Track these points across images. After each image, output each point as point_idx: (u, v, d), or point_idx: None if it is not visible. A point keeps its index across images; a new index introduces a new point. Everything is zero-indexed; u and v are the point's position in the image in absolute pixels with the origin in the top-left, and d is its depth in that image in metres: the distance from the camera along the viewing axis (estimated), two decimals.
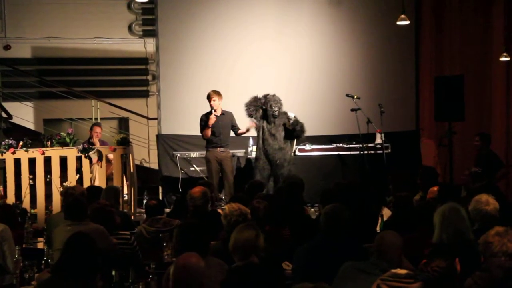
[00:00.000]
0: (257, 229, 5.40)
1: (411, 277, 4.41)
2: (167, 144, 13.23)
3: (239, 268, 4.87)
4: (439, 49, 15.11)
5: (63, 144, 11.02)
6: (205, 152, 11.83)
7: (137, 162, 14.07)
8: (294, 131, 11.49)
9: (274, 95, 11.49)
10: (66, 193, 8.38)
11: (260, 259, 5.25)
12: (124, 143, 11.36)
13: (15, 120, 14.80)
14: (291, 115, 11.45)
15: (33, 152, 10.90)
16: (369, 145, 12.40)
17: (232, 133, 11.80)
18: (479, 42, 14.92)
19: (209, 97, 11.45)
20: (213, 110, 11.45)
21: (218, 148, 11.51)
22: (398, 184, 9.78)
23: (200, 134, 11.71)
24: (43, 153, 10.89)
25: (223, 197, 11.64)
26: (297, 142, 12.35)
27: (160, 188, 13.32)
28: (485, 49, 14.84)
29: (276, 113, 11.37)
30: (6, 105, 14.87)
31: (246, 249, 5.25)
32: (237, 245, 5.30)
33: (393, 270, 4.54)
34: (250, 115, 11.48)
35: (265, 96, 11.51)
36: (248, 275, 4.70)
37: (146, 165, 15.82)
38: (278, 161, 11.37)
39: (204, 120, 11.46)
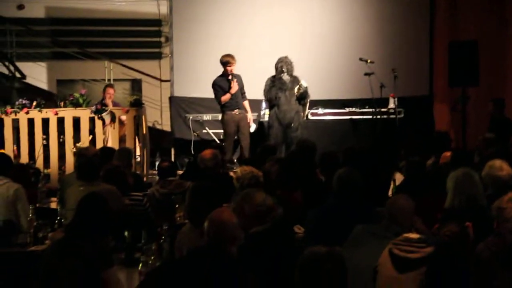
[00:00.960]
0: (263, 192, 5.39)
1: (423, 241, 4.42)
2: (180, 106, 13.23)
3: (257, 234, 4.89)
4: (453, 14, 14.95)
5: (76, 104, 11.04)
6: (219, 114, 11.82)
7: (150, 124, 14.07)
8: (300, 99, 11.46)
9: (286, 57, 11.43)
10: (79, 154, 8.42)
11: (274, 222, 5.24)
12: (137, 104, 11.37)
13: (28, 80, 14.83)
14: (304, 84, 11.39)
15: (46, 112, 10.93)
16: (382, 109, 12.35)
17: None
18: (494, 8, 14.77)
19: (227, 63, 11.28)
20: (231, 76, 11.34)
21: (235, 110, 11.43)
22: (411, 149, 9.75)
23: (213, 98, 11.64)
24: (57, 114, 10.92)
25: (235, 160, 11.64)
26: (310, 105, 12.32)
27: (172, 150, 13.34)
28: (500, 14, 14.69)
29: (286, 73, 11.30)
30: (20, 65, 14.88)
31: (262, 213, 5.18)
32: (255, 210, 5.23)
33: (405, 235, 4.55)
34: (269, 100, 11.46)
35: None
36: (265, 239, 4.72)
37: (158, 127, 15.84)
38: (292, 125, 11.35)
39: (220, 86, 11.34)
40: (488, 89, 13.93)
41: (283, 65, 11.34)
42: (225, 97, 11.30)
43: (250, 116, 11.69)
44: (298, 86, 11.35)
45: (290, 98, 11.37)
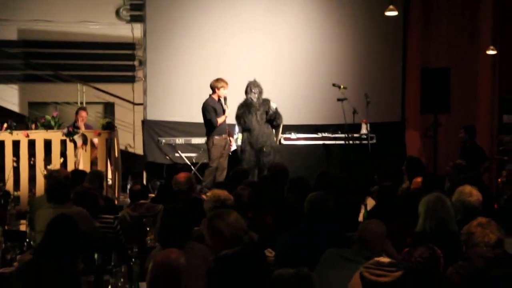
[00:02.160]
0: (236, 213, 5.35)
1: (394, 266, 4.44)
2: (153, 129, 13.21)
3: (227, 256, 4.85)
4: (426, 41, 15.11)
5: (48, 127, 10.96)
6: (192, 138, 11.90)
7: (122, 148, 14.00)
8: (271, 121, 11.48)
9: (254, 80, 11.47)
10: (50, 176, 8.34)
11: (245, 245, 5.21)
12: (109, 127, 11.31)
13: (0, 102, 14.74)
14: (273, 105, 11.43)
15: (17, 134, 10.84)
16: (355, 135, 12.42)
17: None
18: (466, 35, 14.94)
19: (222, 87, 11.39)
20: (223, 100, 11.44)
21: (223, 135, 11.51)
22: (384, 174, 9.79)
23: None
24: (28, 136, 10.83)
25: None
26: (283, 130, 12.35)
27: (144, 173, 13.29)
28: (472, 42, 14.86)
29: (256, 95, 11.34)
30: None
31: (236, 233, 5.12)
32: (227, 230, 5.09)
33: (376, 258, 4.57)
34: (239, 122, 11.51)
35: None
36: (235, 263, 4.69)
37: (131, 150, 15.77)
38: (265, 149, 11.36)
39: (214, 108, 11.37)
40: (460, 116, 14.08)
41: (252, 88, 11.38)
42: (221, 120, 11.40)
43: (231, 138, 11.78)
44: (268, 107, 11.37)
45: (262, 121, 11.39)
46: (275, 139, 11.73)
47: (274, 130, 11.68)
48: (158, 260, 4.33)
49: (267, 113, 11.41)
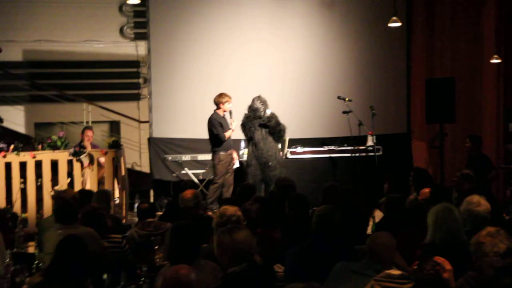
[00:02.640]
0: (248, 229, 5.34)
1: (405, 278, 4.42)
2: (159, 147, 13.21)
3: (235, 274, 4.83)
4: (430, 51, 15.14)
5: (54, 147, 10.97)
6: (198, 155, 11.94)
7: (129, 166, 14.03)
8: (268, 127, 11.44)
9: (259, 96, 11.48)
10: (57, 197, 8.35)
11: (253, 262, 5.20)
12: (116, 146, 11.33)
13: (6, 124, 14.75)
14: (268, 111, 11.44)
15: (24, 155, 10.84)
16: (361, 147, 12.39)
17: None
18: (470, 44, 14.96)
19: (223, 102, 11.41)
20: (229, 114, 11.49)
21: (229, 151, 11.51)
22: (391, 185, 9.78)
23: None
24: (34, 157, 10.84)
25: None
26: (289, 144, 12.34)
27: (151, 191, 13.30)
28: (476, 51, 14.87)
29: (262, 113, 11.34)
30: None
31: (242, 251, 5.12)
32: (232, 248, 5.12)
33: (387, 271, 4.56)
34: (246, 132, 11.49)
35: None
36: (244, 280, 4.67)
37: (137, 168, 15.79)
38: (271, 163, 11.36)
39: (220, 123, 11.40)
40: (465, 125, 14.07)
41: (255, 102, 11.38)
42: (228, 134, 11.43)
43: (234, 154, 11.76)
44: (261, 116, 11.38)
45: (267, 136, 11.39)
46: (280, 153, 11.72)
47: (279, 144, 11.67)
48: (167, 275, 4.30)
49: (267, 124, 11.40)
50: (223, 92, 11.51)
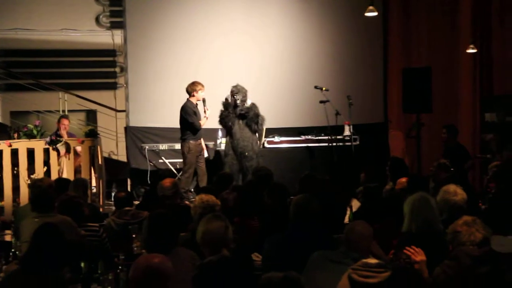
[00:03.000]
0: (225, 220, 5.36)
1: (382, 267, 4.44)
2: (136, 136, 13.17)
3: (211, 263, 4.84)
4: (407, 41, 15.19)
5: (30, 136, 10.91)
6: (175, 144, 11.92)
7: (105, 155, 13.99)
8: (246, 118, 11.43)
9: (236, 85, 11.45)
10: (34, 186, 8.32)
11: (230, 251, 5.23)
12: (92, 135, 11.29)
13: None
14: (249, 101, 11.43)
15: (0, 144, 10.79)
16: (338, 137, 12.40)
17: None
18: (446, 34, 15.00)
19: (197, 90, 11.35)
20: (203, 102, 11.41)
21: (198, 140, 11.47)
22: (369, 175, 9.81)
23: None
24: (10, 145, 10.77)
25: (193, 190, 11.61)
26: (266, 134, 12.36)
27: (128, 180, 13.26)
28: (453, 41, 14.92)
29: (239, 102, 11.32)
30: None
31: (214, 241, 5.21)
32: (206, 238, 5.24)
33: (364, 260, 4.56)
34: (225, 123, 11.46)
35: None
36: (220, 269, 4.68)
37: (114, 157, 15.74)
38: (247, 154, 11.36)
39: (195, 112, 11.37)
40: (442, 115, 14.12)
41: (234, 93, 11.35)
42: (203, 122, 11.39)
43: (203, 143, 11.73)
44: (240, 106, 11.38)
45: (244, 126, 11.38)
46: (258, 143, 11.72)
47: (257, 135, 11.66)
48: (139, 263, 4.16)
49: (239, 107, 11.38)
50: (196, 80, 11.45)
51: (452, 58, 14.94)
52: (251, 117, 11.38)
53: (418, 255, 5.15)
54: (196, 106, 11.43)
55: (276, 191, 7.58)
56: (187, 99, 11.40)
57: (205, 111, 11.42)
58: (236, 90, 11.40)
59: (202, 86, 11.39)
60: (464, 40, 14.48)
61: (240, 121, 11.35)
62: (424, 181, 8.30)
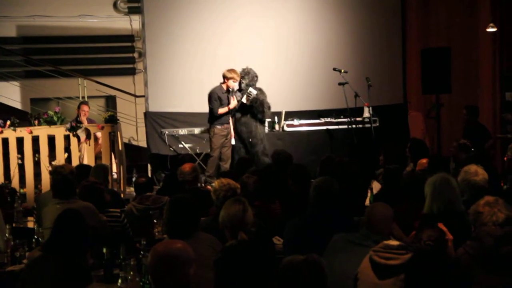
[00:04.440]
0: (244, 203, 5.38)
1: (403, 248, 4.44)
2: (155, 121, 13.17)
3: (232, 247, 4.85)
4: (425, 21, 15.10)
5: (50, 123, 10.95)
6: (195, 129, 11.98)
7: (125, 140, 14.03)
8: (252, 108, 11.39)
9: (245, 68, 11.44)
10: (55, 172, 8.36)
11: (251, 234, 5.24)
12: (112, 121, 11.30)
13: (1, 99, 14.77)
14: (253, 91, 11.36)
15: (20, 131, 10.83)
16: (357, 119, 12.38)
17: None
18: (466, 13, 14.90)
19: (231, 78, 11.27)
20: (232, 91, 11.36)
21: (225, 125, 11.44)
22: (389, 156, 9.77)
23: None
24: (31, 132, 10.82)
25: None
26: (285, 117, 12.36)
27: (149, 166, 13.28)
28: (472, 20, 14.82)
29: (244, 85, 11.29)
30: None
31: (234, 225, 5.25)
32: (225, 221, 5.30)
33: (385, 242, 4.57)
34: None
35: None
36: (241, 253, 4.69)
37: (134, 143, 15.78)
38: (251, 140, 11.35)
39: (219, 98, 11.29)
40: (462, 95, 14.06)
41: (242, 75, 11.35)
42: (223, 110, 11.30)
43: (232, 129, 11.71)
44: (246, 95, 11.34)
45: (246, 112, 11.36)
46: (262, 128, 11.57)
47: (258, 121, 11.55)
48: (158, 249, 4.09)
49: (246, 99, 11.34)
50: (234, 69, 11.38)
51: (471, 37, 14.84)
52: (256, 106, 11.34)
53: (449, 233, 5.13)
54: (226, 92, 11.37)
55: (298, 173, 7.59)
56: (220, 83, 11.38)
57: (229, 102, 11.37)
58: (243, 73, 11.38)
59: (237, 76, 11.30)
60: (484, 19, 14.38)
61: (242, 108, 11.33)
62: (444, 162, 8.29)
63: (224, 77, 11.30)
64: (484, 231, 4.85)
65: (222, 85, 11.33)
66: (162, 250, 4.03)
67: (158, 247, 4.07)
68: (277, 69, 12.93)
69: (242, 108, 11.37)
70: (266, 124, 11.93)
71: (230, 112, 11.40)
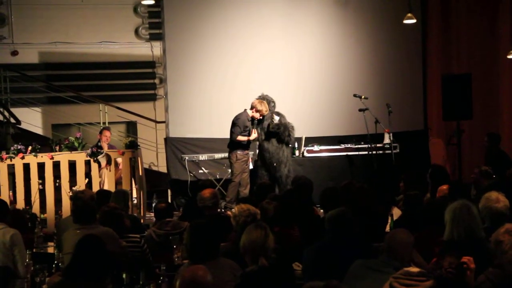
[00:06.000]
0: (265, 229, 5.37)
1: (424, 275, 4.41)
2: (175, 147, 13.21)
3: (252, 272, 4.85)
4: (446, 47, 15.07)
5: (71, 148, 11.01)
6: (215, 154, 12.09)
7: (146, 166, 14.07)
8: (278, 134, 11.43)
9: (261, 95, 11.50)
10: (76, 197, 8.38)
11: (271, 260, 5.23)
12: (133, 146, 11.34)
13: (23, 125, 14.86)
14: (276, 118, 11.41)
15: (42, 156, 10.88)
16: (378, 145, 12.36)
17: None
18: (486, 40, 14.88)
19: (256, 109, 11.39)
20: (252, 122, 11.47)
21: (246, 151, 11.50)
22: (410, 183, 9.72)
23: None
24: (52, 158, 10.88)
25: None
26: (305, 143, 12.36)
27: (169, 191, 13.31)
28: (492, 46, 14.79)
29: (268, 120, 11.36)
30: (15, 110, 14.91)
31: (255, 250, 5.23)
32: (246, 246, 5.29)
33: (406, 268, 4.54)
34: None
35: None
36: (261, 278, 4.69)
37: (154, 168, 15.83)
38: (275, 164, 11.37)
39: (244, 126, 11.40)
40: (482, 121, 13.99)
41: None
42: (242, 139, 11.38)
43: (250, 154, 11.75)
44: (269, 123, 11.36)
45: (270, 137, 11.39)
46: (285, 151, 11.61)
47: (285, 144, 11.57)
48: (185, 276, 4.27)
49: (268, 127, 11.37)
50: (265, 102, 11.46)
51: (492, 64, 14.80)
52: (282, 132, 11.38)
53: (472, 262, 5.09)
54: (250, 121, 11.43)
55: (327, 197, 7.60)
56: (245, 109, 11.43)
57: (250, 132, 11.43)
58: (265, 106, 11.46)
59: (266, 111, 11.40)
60: (505, 45, 14.36)
61: (263, 134, 11.37)
62: (465, 189, 8.22)
63: (254, 107, 11.34)
64: (505, 258, 4.81)
65: (248, 112, 11.37)
66: (190, 277, 4.15)
67: (185, 273, 4.18)
68: (298, 95, 12.96)
69: (265, 134, 11.40)
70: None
71: (246, 143, 11.42)
